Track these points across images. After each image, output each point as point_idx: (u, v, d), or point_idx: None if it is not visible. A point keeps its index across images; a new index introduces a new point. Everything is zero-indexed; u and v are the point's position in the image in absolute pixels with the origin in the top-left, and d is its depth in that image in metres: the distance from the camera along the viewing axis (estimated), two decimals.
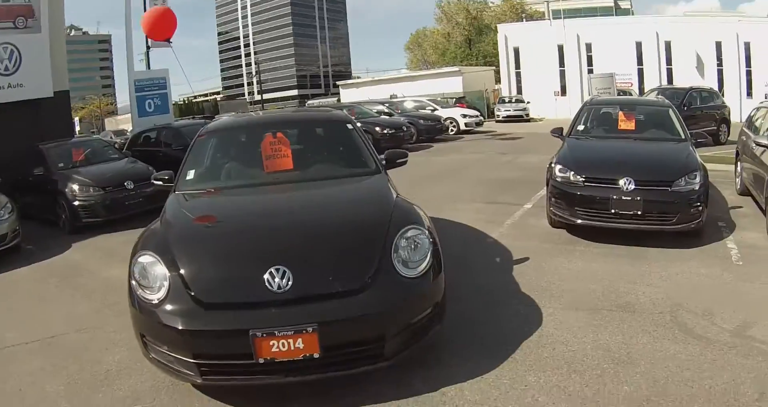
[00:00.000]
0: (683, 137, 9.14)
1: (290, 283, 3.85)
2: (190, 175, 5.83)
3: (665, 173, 7.72)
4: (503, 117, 40.28)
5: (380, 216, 4.56)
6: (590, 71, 46.09)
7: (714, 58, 42.54)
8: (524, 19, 66.58)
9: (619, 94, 34.33)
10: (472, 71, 55.52)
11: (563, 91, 46.94)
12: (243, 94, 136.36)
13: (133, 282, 4.15)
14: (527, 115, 41.10)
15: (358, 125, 6.94)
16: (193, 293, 3.91)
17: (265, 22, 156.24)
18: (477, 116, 31.74)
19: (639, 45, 44.52)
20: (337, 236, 4.35)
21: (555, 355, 4.51)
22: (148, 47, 22.54)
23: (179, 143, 14.26)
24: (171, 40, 6.58)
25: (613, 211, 7.48)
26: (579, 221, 7.80)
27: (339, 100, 58.34)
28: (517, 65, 49.92)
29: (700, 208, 7.61)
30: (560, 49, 47.15)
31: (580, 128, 9.57)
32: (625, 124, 9.47)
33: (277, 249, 4.15)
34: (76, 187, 11.09)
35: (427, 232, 4.43)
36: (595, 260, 7.12)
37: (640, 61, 44.63)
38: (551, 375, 4.20)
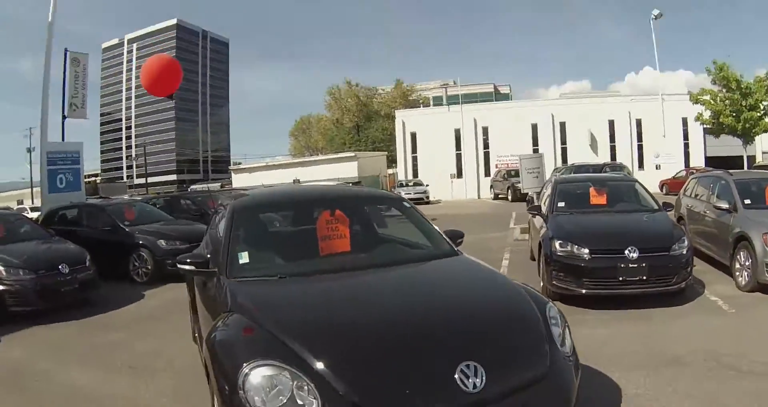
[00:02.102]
0: (657, 207, 10.34)
1: (484, 380, 3.34)
2: (244, 258, 4.85)
3: (663, 240, 8.74)
4: None
5: (517, 295, 4.35)
6: (486, 154, 48.91)
7: (607, 136, 46.29)
8: (422, 106, 70.12)
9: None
10: (367, 156, 56.76)
11: (459, 174, 49.45)
12: (122, 178, 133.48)
13: (243, 399, 3.22)
14: (427, 197, 42.57)
15: None
16: None
17: (149, 104, 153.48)
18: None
19: (534, 127, 47.71)
20: (496, 320, 4.05)
21: None
22: (64, 117, 21.90)
23: (105, 222, 13.76)
24: (174, 96, 5.99)
25: (620, 278, 8.31)
26: (584, 291, 8.54)
27: (223, 185, 56.94)
28: (414, 149, 52.16)
29: (689, 269, 8.73)
30: (457, 133, 49.79)
31: (561, 204, 10.39)
32: (596, 199, 10.51)
33: (455, 342, 3.61)
34: (1, 268, 9.69)
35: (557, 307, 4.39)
36: (612, 325, 7.80)
37: (535, 142, 47.57)
38: None
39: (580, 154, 43.73)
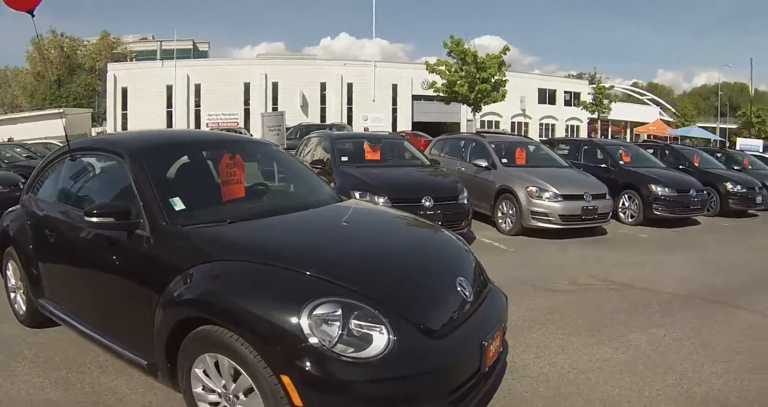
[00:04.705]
0: (428, 162, 11.49)
1: (470, 289, 3.83)
2: (179, 205, 4.23)
3: (451, 191, 9.81)
4: None
5: (440, 227, 5.04)
6: (197, 112, 48.48)
7: (318, 97, 48.12)
8: (134, 59, 66.83)
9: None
10: (74, 113, 53.61)
11: None
12: None
13: (315, 341, 3.03)
14: None
15: None
16: (420, 325, 3.32)
17: None
18: None
19: (247, 86, 48.10)
20: (447, 245, 4.50)
21: (572, 316, 5.81)
22: None
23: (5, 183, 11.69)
24: (34, 13, 4.68)
25: None
26: None
27: None
28: (124, 106, 50.36)
29: (470, 216, 9.96)
30: (169, 89, 48.70)
31: (344, 159, 10.85)
32: (371, 154, 11.16)
33: (444, 261, 4.15)
34: None
35: None
36: None
37: (247, 102, 48.00)
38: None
39: (291, 115, 44.25)
